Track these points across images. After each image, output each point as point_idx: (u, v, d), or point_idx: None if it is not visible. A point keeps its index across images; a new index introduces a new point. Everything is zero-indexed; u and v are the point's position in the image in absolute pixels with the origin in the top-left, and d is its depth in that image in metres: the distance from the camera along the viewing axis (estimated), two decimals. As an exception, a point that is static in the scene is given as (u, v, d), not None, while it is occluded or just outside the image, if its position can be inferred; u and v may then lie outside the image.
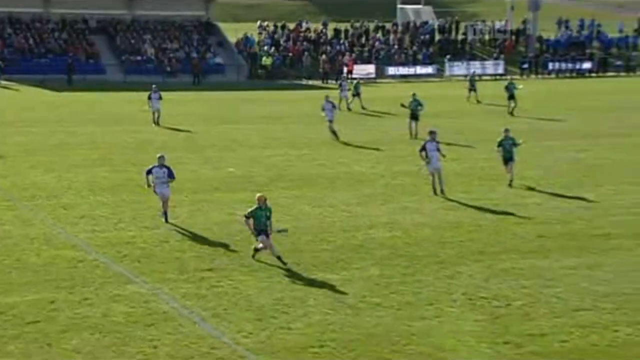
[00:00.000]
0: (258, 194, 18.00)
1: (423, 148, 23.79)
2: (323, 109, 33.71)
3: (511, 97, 41.73)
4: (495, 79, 61.04)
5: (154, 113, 37.18)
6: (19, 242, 19.23)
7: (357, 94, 44.16)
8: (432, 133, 24.12)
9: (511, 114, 40.90)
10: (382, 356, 13.26)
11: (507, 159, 24.87)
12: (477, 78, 50.65)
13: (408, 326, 14.39)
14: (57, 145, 32.30)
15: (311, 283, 16.49)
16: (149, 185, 20.67)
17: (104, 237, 19.78)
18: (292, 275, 16.87)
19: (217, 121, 39.30)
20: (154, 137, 34.58)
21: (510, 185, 24.78)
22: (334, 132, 33.29)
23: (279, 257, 17.32)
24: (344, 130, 34.58)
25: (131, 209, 22.25)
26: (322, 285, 16.37)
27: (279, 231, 17.96)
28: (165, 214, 20.70)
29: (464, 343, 13.74)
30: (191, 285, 16.46)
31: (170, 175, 20.57)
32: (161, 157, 20.70)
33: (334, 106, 34.16)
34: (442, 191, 23.64)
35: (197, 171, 27.22)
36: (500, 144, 24.97)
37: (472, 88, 47.39)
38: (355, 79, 51.52)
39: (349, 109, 43.01)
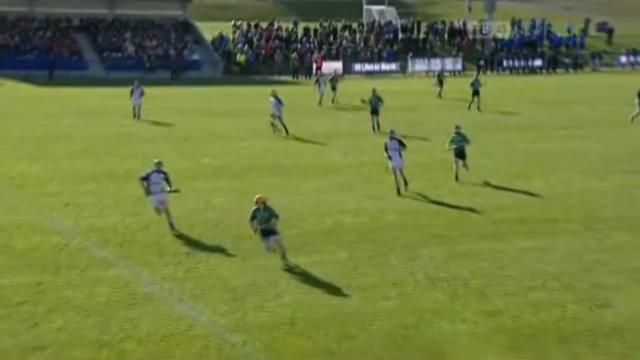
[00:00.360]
0: (257, 196, 16.96)
1: (385, 148, 22.81)
2: (272, 105, 32.45)
3: (476, 93, 41.72)
4: (454, 75, 61.24)
5: (134, 108, 36.75)
6: (6, 228, 19.03)
7: (334, 88, 43.78)
8: (391, 132, 23.25)
9: (478, 108, 40.89)
10: (350, 334, 13.31)
11: (458, 155, 23.96)
12: (445, 75, 50.26)
13: (374, 306, 14.45)
14: (42, 137, 31.94)
15: (283, 266, 16.49)
16: (147, 193, 18.81)
17: (87, 223, 19.63)
18: (265, 258, 16.84)
19: (194, 114, 39.05)
20: (134, 129, 34.33)
21: (456, 179, 23.86)
22: (279, 126, 32.27)
23: (284, 256, 16.61)
24: (316, 123, 34.47)
25: (113, 197, 22.10)
26: (293, 268, 16.38)
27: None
28: (171, 224, 18.73)
29: (425, 320, 13.84)
30: (170, 268, 16.40)
31: (167, 180, 18.80)
32: (159, 163, 18.89)
33: (280, 102, 32.60)
34: (404, 189, 22.61)
35: (175, 162, 27.05)
36: (452, 141, 24.08)
37: (440, 84, 46.90)
38: (329, 74, 50.88)
39: (320, 104, 42.66)
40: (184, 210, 20.68)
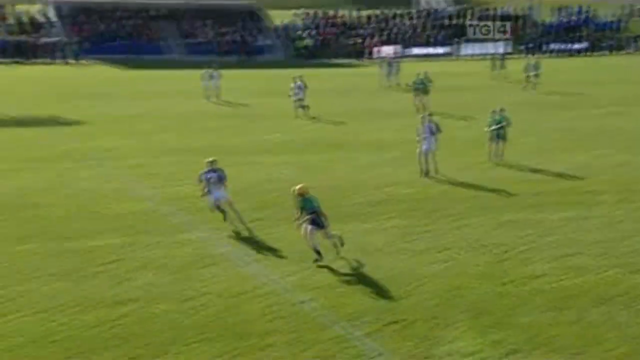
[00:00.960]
0: (297, 187, 14.92)
1: (419, 130, 21.17)
2: (292, 89, 31.81)
3: (535, 75, 40.67)
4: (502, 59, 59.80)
5: (207, 90, 36.67)
6: (98, 195, 19.46)
7: (393, 72, 43.10)
8: (428, 115, 21.75)
9: (526, 88, 39.85)
10: (399, 295, 13.26)
11: (499, 137, 22.62)
12: (505, 58, 48.80)
13: (423, 269, 14.35)
14: (131, 115, 32.48)
15: (342, 232, 16.43)
16: (203, 194, 17.04)
17: (168, 192, 19.94)
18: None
19: (262, 94, 39.16)
20: (210, 108, 34.67)
21: (499, 160, 22.50)
22: (303, 107, 31.56)
23: (313, 248, 14.66)
24: (373, 102, 34.06)
25: (191, 169, 22.18)
26: (351, 234, 16.32)
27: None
28: (239, 218, 16.76)
29: (470, 283, 13.68)
30: (242, 233, 16.53)
31: (221, 179, 16.82)
32: (212, 162, 16.92)
33: (302, 86, 31.87)
34: (434, 171, 21.02)
35: (246, 137, 27.26)
36: (496, 121, 22.67)
37: (501, 66, 45.88)
38: (388, 58, 49.98)
39: (380, 85, 42.20)
40: (252, 181, 20.86)
